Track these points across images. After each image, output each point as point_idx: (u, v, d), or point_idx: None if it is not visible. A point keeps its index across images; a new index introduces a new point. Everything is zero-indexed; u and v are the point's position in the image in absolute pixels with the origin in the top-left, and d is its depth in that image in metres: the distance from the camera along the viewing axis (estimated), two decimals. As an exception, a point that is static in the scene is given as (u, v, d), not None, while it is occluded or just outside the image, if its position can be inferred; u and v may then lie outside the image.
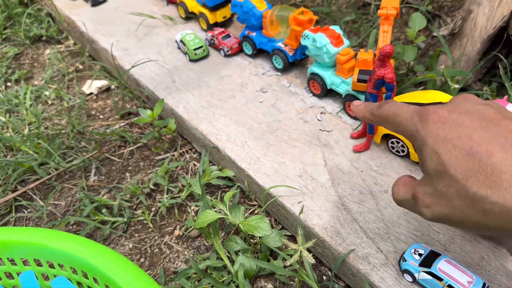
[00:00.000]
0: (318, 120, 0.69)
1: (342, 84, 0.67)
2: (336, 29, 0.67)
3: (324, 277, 0.56)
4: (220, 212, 0.55)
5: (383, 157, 0.61)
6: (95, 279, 0.42)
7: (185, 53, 0.85)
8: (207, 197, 0.65)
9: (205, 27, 0.92)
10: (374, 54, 0.64)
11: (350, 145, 0.64)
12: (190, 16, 0.97)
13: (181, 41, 0.85)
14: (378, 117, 0.43)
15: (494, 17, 0.68)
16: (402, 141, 0.58)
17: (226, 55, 0.85)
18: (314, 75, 0.70)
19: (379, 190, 0.57)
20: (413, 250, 0.48)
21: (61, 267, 0.46)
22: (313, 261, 0.44)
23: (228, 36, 0.85)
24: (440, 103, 0.58)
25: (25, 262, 0.57)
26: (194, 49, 0.84)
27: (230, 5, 0.88)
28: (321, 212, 0.55)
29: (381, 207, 0.55)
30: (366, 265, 0.49)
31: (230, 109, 0.73)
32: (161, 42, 0.92)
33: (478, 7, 0.70)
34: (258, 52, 0.84)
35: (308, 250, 0.56)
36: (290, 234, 0.60)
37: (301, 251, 0.45)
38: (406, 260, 0.47)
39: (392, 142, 0.60)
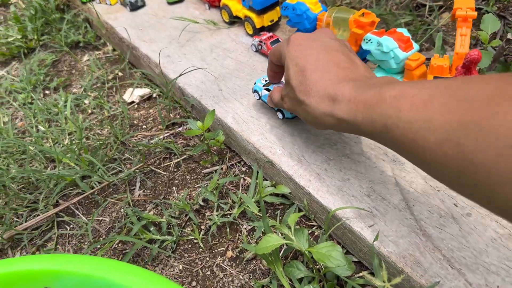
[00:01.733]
0: (382, 132, 0.63)
1: (410, 92, 0.61)
2: (404, 32, 0.61)
3: (400, 311, 0.50)
4: (282, 236, 0.50)
5: (461, 174, 0.55)
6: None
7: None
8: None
9: (251, 31, 0.87)
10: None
11: (422, 161, 0.57)
12: (234, 21, 0.92)
13: None
14: (270, 58, 0.57)
15: None
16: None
17: (274, 61, 0.80)
18: (377, 83, 0.64)
19: (461, 213, 0.51)
20: (262, 78, 0.66)
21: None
22: (402, 300, 0.39)
23: (277, 41, 0.80)
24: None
25: None
26: None
27: (277, 8, 0.83)
28: (397, 238, 0.49)
29: (465, 233, 0.49)
30: (457, 302, 0.43)
31: (283, 119, 0.68)
32: (204, 48, 0.88)
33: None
34: (309, 58, 0.78)
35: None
36: (356, 260, 0.55)
37: (386, 288, 0.40)
38: (255, 83, 0.67)
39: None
